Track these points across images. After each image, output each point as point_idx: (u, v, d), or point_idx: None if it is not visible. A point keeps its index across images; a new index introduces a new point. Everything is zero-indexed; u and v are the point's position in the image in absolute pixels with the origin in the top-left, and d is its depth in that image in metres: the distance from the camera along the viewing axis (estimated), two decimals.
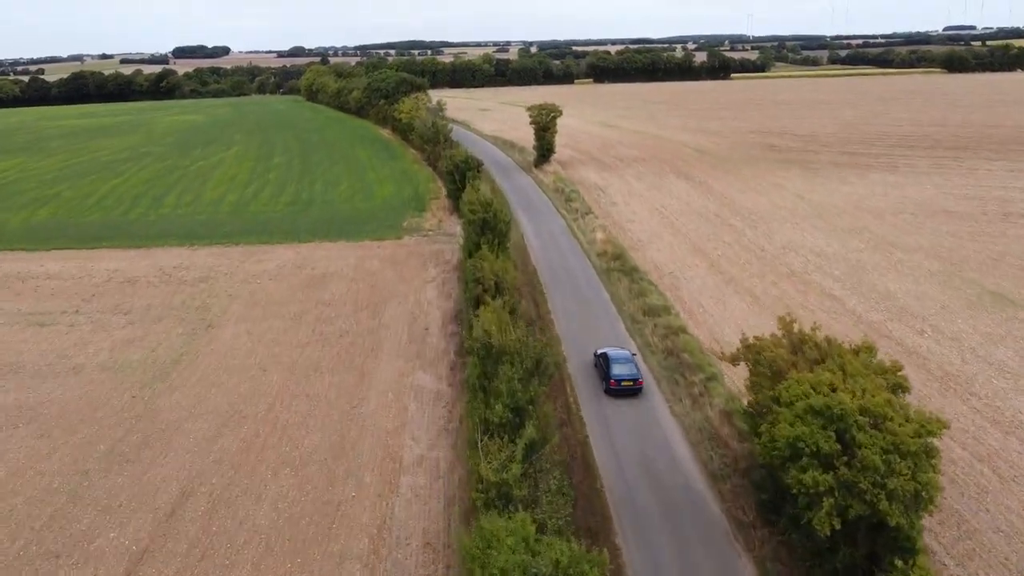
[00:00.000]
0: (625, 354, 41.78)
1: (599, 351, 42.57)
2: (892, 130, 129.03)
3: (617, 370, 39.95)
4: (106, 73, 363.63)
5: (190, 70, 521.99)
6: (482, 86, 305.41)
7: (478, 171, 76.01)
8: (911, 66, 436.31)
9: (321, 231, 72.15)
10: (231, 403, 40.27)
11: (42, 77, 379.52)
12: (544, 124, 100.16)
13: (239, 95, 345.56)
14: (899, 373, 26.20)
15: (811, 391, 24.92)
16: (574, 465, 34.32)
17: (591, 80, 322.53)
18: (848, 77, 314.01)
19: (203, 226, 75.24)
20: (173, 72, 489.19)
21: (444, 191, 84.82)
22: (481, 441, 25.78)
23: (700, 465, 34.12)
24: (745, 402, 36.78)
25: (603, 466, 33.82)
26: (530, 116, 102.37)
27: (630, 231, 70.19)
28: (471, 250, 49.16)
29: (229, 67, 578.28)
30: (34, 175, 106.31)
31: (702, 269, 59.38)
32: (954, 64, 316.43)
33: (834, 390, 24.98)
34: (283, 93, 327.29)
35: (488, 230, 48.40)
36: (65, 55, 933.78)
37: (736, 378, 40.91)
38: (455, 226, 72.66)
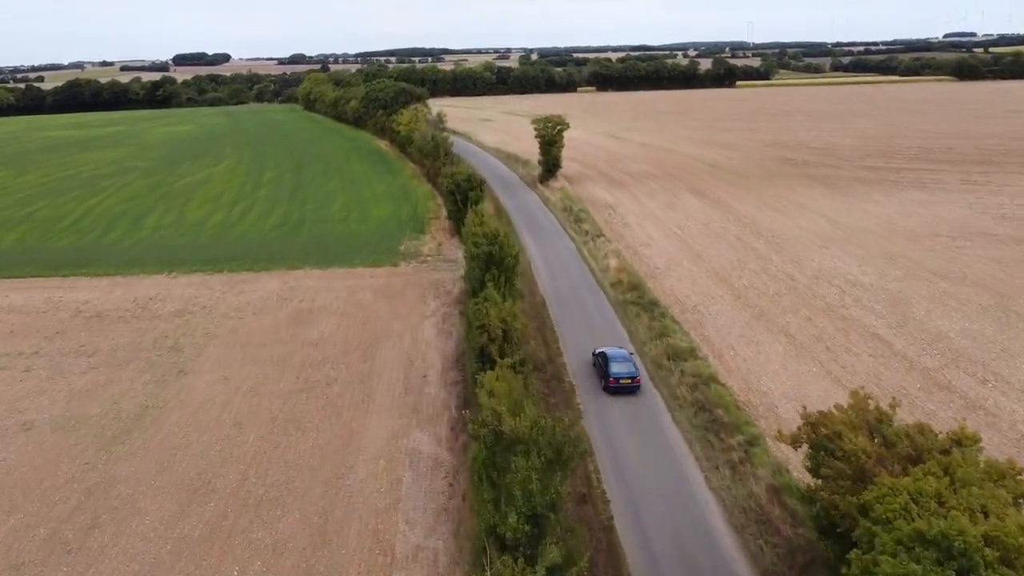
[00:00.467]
0: (623, 353, 42.77)
1: (597, 350, 43.56)
2: (912, 142, 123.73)
3: (615, 368, 40.93)
4: (102, 81, 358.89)
5: (188, 78, 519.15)
6: (483, 94, 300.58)
7: (481, 190, 70.64)
8: (915, 73, 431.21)
9: (311, 256, 66.74)
10: (199, 471, 34.84)
11: (37, 85, 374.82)
12: (550, 137, 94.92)
13: (237, 103, 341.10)
14: (1020, 478, 20.71)
15: (913, 505, 19.46)
16: (598, 559, 28.86)
17: (594, 88, 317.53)
18: (855, 85, 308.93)
19: (184, 250, 69.87)
20: (172, 80, 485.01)
21: (444, 210, 79.44)
22: (489, 564, 20.26)
23: (749, 558, 28.63)
24: (796, 469, 31.54)
25: (634, 564, 28.30)
26: (535, 129, 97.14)
27: (646, 256, 64.73)
28: (475, 287, 43.72)
29: (229, 74, 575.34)
30: (9, 192, 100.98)
31: (728, 302, 53.92)
32: (964, 72, 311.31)
33: (941, 503, 19.54)
34: (282, 101, 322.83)
35: (494, 265, 42.96)
36: (66, 62, 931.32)
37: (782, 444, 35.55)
38: (456, 251, 67.28)
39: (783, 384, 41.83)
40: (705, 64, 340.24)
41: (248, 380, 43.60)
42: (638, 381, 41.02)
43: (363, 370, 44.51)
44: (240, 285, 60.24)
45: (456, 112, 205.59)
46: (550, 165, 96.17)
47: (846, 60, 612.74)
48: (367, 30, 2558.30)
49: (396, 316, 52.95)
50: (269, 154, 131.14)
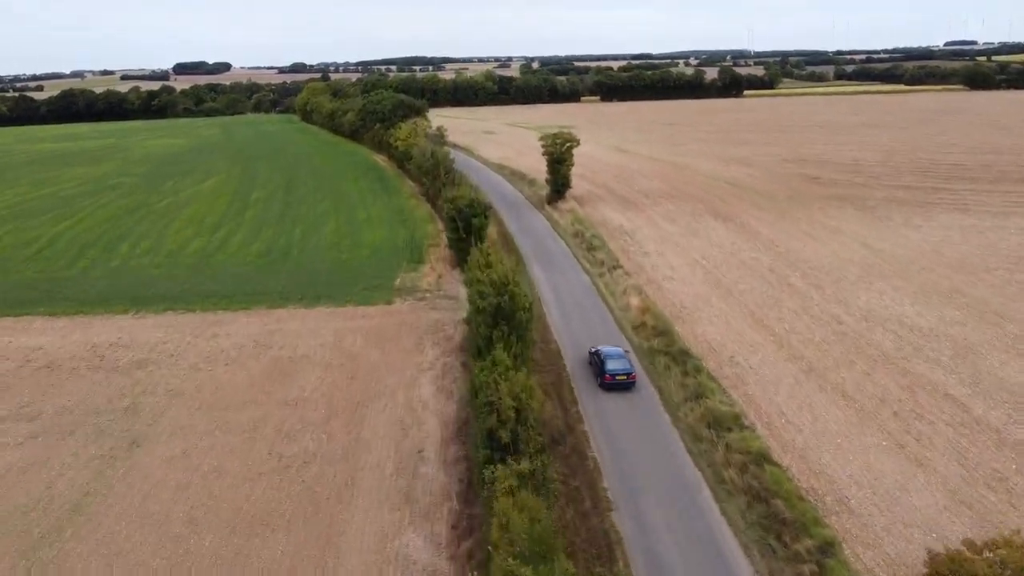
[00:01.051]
0: (618, 351, 44.56)
1: (593, 349, 45.20)
2: (942, 158, 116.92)
3: (611, 365, 42.49)
4: (97, 91, 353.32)
5: (187, 87, 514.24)
6: (485, 104, 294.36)
7: (485, 216, 63.84)
8: (920, 82, 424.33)
9: (296, 291, 59.85)
10: None
11: (31, 95, 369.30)
12: (559, 155, 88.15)
13: (234, 114, 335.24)
14: None
15: None
16: None
17: (598, 98, 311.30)
18: (865, 95, 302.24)
19: (157, 284, 62.97)
20: (171, 89, 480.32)
21: (445, 236, 72.57)
22: None
23: None
24: None
25: None
26: (542, 146, 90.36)
27: (670, 293, 57.80)
28: (480, 345, 36.82)
29: (228, 83, 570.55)
30: None
31: (770, 351, 46.98)
32: (976, 81, 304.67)
33: None
34: (280, 111, 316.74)
35: (504, 320, 36.03)
36: (68, 71, 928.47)
37: (862, 544, 28.76)
38: (457, 285, 60.44)
39: (849, 463, 34.90)
40: (711, 73, 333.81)
41: (211, 456, 36.66)
42: (633, 377, 42.71)
43: (347, 442, 37.55)
44: (214, 327, 53.33)
45: (457, 124, 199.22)
46: (559, 185, 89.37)
47: (849, 68, 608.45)
48: (368, 39, 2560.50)
49: (389, 368, 46.03)
50: (260, 170, 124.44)
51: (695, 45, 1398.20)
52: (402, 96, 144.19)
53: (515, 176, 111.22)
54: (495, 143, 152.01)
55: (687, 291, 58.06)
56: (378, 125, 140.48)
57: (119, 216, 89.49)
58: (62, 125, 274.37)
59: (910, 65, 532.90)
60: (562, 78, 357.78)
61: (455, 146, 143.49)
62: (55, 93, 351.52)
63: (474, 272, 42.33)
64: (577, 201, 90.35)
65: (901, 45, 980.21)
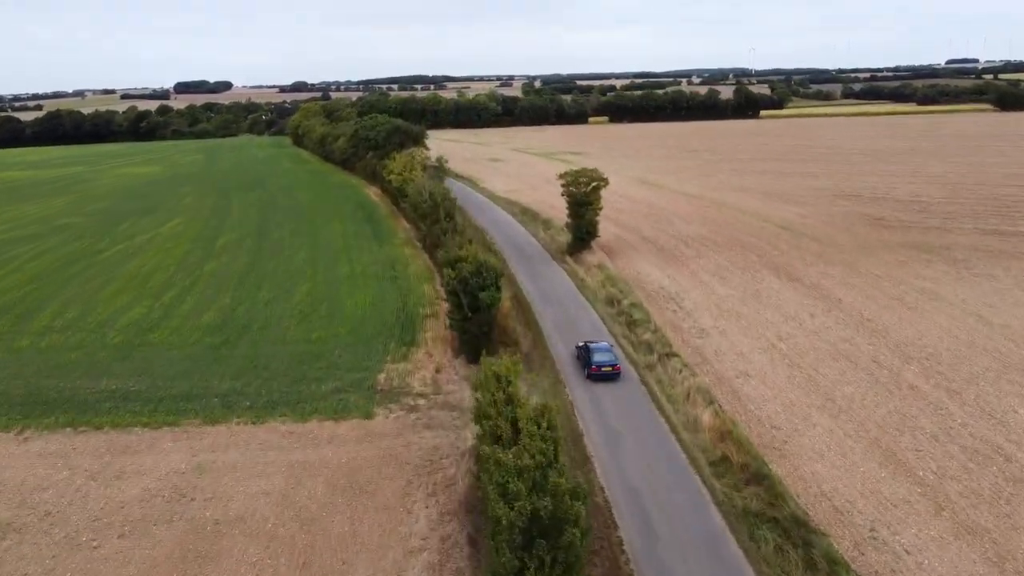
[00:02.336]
0: (605, 344, 47.72)
1: (580, 343, 48.45)
2: (1017, 192, 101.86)
3: (598, 357, 45.29)
4: (85, 112, 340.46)
5: (184, 107, 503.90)
6: (488, 126, 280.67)
7: (497, 287, 48.87)
8: (933, 101, 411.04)
9: (245, 393, 44.67)
10: None
11: (18, 116, 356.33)
12: (582, 197, 73.26)
13: (225, 135, 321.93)
14: None
15: None
16: None
17: (607, 118, 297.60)
18: (891, 116, 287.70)
19: (66, 377, 47.77)
20: (167, 108, 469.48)
21: (446, 303, 57.43)
22: None
23: None
24: None
25: None
26: (563, 184, 75.47)
27: (751, 401, 42.50)
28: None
29: (227, 103, 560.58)
30: None
31: (924, 514, 31.74)
32: (1008, 101, 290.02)
33: None
34: (273, 133, 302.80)
35: (546, 537, 20.73)
36: (71, 90, 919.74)
37: None
38: (461, 384, 45.39)
39: None
40: (724, 92, 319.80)
41: None
42: (618, 368, 45.22)
43: None
44: (121, 458, 38.08)
45: (459, 150, 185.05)
46: (583, 232, 74.33)
47: (857, 87, 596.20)
48: (369, 57, 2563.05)
49: (361, 545, 30.79)
50: (234, 207, 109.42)
51: (695, 64, 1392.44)
52: (398, 121, 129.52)
53: (527, 215, 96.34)
54: (502, 173, 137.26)
55: (774, 398, 42.73)
56: (371, 154, 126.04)
57: (53, 270, 74.28)
58: (41, 148, 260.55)
59: (919, 84, 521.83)
60: (566, 97, 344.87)
61: (457, 177, 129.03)
62: (42, 114, 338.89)
63: (485, 406, 27.15)
64: (605, 251, 75.41)
65: (903, 64, 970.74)
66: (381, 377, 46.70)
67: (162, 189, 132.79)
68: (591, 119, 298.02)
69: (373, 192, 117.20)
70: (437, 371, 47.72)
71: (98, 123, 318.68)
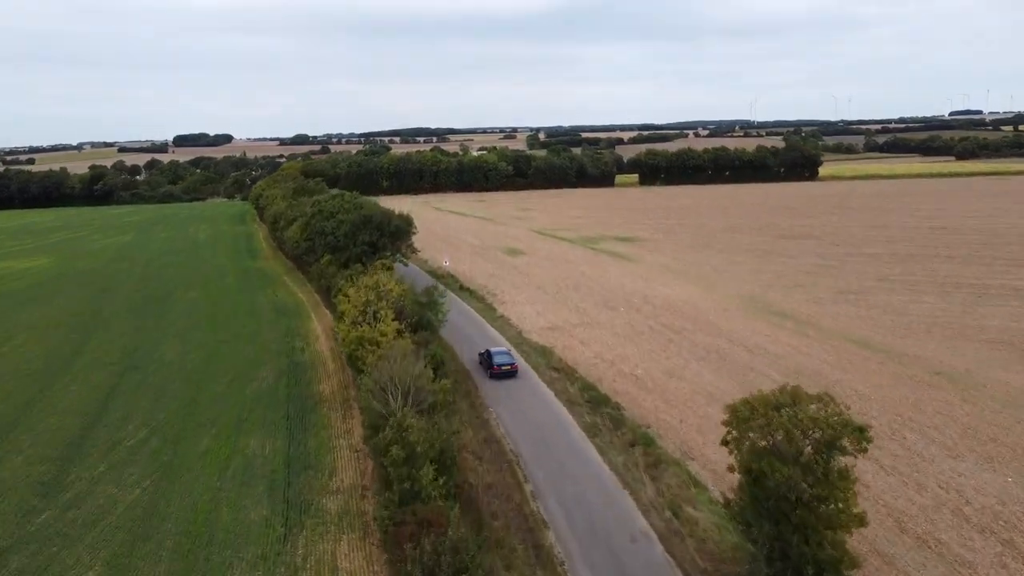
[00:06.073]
0: (503, 349, 57.96)
1: (482, 351, 57.46)
2: None
3: (497, 359, 54.95)
4: (33, 170, 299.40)
5: (182, 159, 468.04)
6: (497, 189, 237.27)
7: None
8: (972, 155, 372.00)
9: None
10: None
11: None
12: (805, 486, 26.95)
13: (193, 199, 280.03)
14: None
15: None
16: None
17: (636, 179, 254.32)
18: (983, 176, 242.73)
19: None
20: (148, 166, 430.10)
21: None
22: None
23: None
24: None
25: None
26: (729, 431, 29.30)
27: None
28: None
29: (219, 157, 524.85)
30: None
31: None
32: None
33: None
34: (243, 198, 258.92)
35: None
36: (75, 143, 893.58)
37: None
38: None
39: None
40: (746, 144, 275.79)
41: None
42: (515, 367, 55.14)
43: None
44: None
45: (464, 225, 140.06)
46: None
47: (881, 140, 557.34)
48: (371, 110, 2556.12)
49: None
50: (75, 374, 62.99)
51: (696, 116, 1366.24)
52: (371, 206, 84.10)
53: (595, 408, 49.83)
54: (528, 280, 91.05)
55: None
56: (328, 257, 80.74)
57: None
58: None
59: (950, 135, 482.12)
60: (576, 149, 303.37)
61: (460, 289, 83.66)
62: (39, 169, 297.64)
63: None
64: None
65: (907, 115, 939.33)
66: None
67: (28, 299, 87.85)
68: (618, 177, 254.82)
69: (324, 330, 70.94)
70: None
71: (48, 185, 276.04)
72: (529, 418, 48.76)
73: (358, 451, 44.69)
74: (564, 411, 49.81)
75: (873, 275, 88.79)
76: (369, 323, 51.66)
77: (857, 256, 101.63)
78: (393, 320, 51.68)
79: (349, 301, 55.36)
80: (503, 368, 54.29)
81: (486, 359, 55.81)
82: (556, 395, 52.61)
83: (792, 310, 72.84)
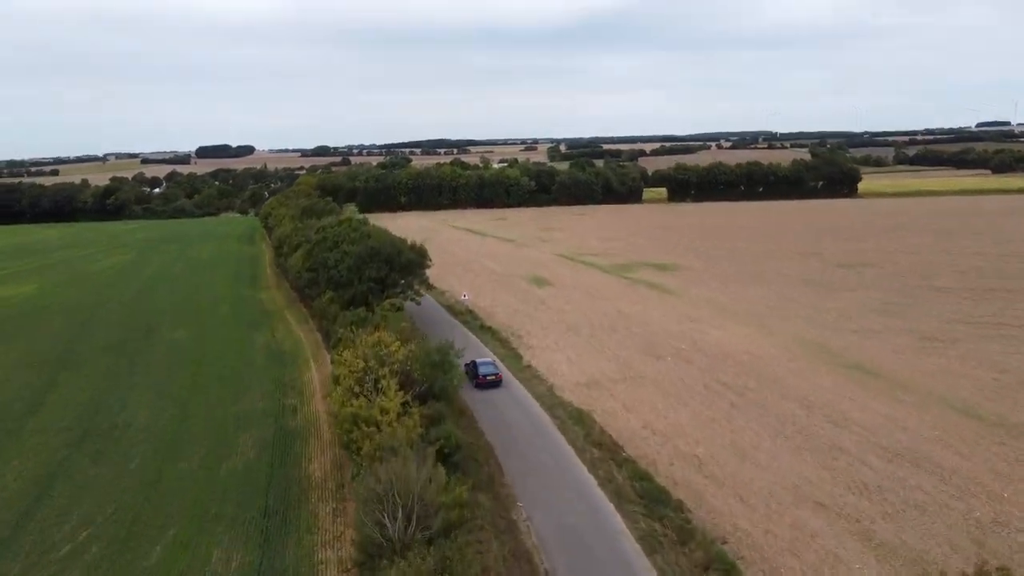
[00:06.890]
0: (488, 360, 59.87)
1: (467, 361, 56.74)
2: None
3: (483, 370, 56.98)
4: (46, 184, 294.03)
5: (203, 171, 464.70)
6: (519, 205, 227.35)
7: None
8: (1010, 168, 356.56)
9: None
10: None
11: None
12: None
13: (206, 214, 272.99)
14: None
15: None
16: None
17: (664, 194, 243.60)
18: (1007, 194, 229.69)
19: None
20: (159, 181, 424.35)
21: None
22: None
23: None
24: None
25: None
26: None
27: None
28: None
29: (240, 168, 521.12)
30: None
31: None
32: None
33: None
34: (256, 214, 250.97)
35: None
36: (101, 154, 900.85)
37: None
38: None
39: None
40: (781, 157, 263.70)
41: None
42: (500, 377, 57.22)
43: None
44: None
45: (484, 248, 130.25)
46: None
47: (912, 152, 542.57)
48: (393, 121, 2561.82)
49: None
50: (23, 443, 53.54)
51: (716, 127, 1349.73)
52: (379, 243, 73.99)
53: (641, 486, 39.56)
54: (555, 317, 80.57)
55: None
56: (330, 295, 70.85)
57: None
58: None
59: (984, 148, 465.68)
60: (599, 162, 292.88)
61: (481, 329, 73.55)
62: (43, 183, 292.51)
63: None
64: None
65: (933, 126, 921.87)
66: None
67: (12, 328, 79.25)
68: (646, 192, 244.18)
69: (322, 381, 61.00)
70: None
71: (59, 199, 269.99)
72: (567, 521, 38.25)
73: (347, 572, 34.46)
74: (612, 511, 39.30)
75: (954, 316, 77.43)
76: (367, 394, 41.51)
77: (927, 290, 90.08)
78: (398, 391, 41.47)
79: (345, 365, 45.15)
80: (488, 378, 56.69)
81: (472, 369, 57.07)
82: (600, 484, 42.11)
83: (871, 362, 61.75)
